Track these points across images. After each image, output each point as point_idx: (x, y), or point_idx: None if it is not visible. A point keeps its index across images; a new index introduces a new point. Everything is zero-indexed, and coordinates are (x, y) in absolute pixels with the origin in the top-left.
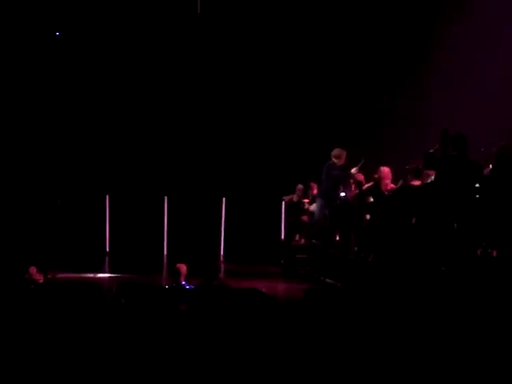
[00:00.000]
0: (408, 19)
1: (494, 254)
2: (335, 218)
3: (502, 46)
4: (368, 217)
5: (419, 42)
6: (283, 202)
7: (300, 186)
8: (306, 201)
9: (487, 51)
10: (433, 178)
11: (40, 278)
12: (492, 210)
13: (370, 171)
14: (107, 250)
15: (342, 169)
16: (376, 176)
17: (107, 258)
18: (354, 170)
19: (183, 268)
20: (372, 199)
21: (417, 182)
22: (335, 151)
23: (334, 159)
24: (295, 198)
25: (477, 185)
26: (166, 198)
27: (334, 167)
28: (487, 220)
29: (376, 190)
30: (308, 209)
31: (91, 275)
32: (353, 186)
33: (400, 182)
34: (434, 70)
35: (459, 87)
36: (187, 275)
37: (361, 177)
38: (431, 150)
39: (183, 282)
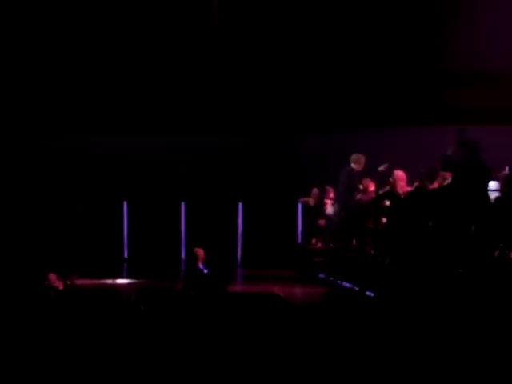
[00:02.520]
0: (413, 19)
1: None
2: (351, 221)
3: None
4: (384, 220)
5: (431, 38)
6: (299, 206)
7: (315, 190)
8: (328, 202)
9: (494, 48)
10: (449, 180)
11: (59, 285)
12: (509, 211)
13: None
14: (125, 255)
15: (360, 174)
16: (391, 179)
17: (126, 264)
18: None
19: (200, 252)
20: (388, 203)
21: (433, 185)
22: (354, 156)
23: (352, 164)
24: (311, 201)
25: (491, 185)
26: (183, 203)
27: (352, 173)
28: (504, 222)
29: (392, 193)
30: (325, 212)
31: (110, 281)
32: (369, 188)
33: (415, 185)
34: (446, 69)
35: (472, 86)
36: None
37: (371, 183)
38: (448, 152)
39: (200, 267)
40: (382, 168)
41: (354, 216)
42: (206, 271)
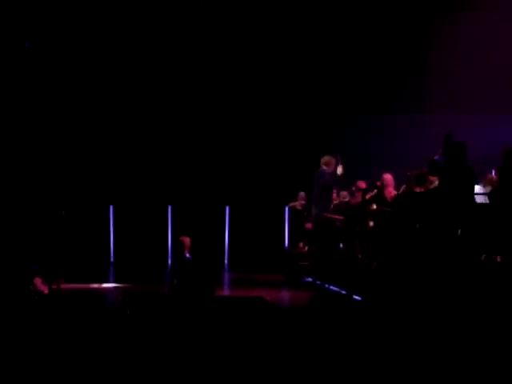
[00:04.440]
0: (406, 22)
1: (498, 259)
2: (327, 224)
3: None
4: (371, 224)
5: (417, 44)
6: (287, 210)
7: (302, 194)
8: None
9: (485, 51)
10: (436, 183)
11: (45, 289)
12: (496, 215)
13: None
14: (112, 260)
15: (332, 175)
16: (379, 183)
17: (112, 268)
18: (339, 170)
19: (187, 240)
20: (375, 206)
21: (420, 189)
22: (324, 158)
23: (323, 166)
24: (298, 205)
25: (478, 189)
26: (169, 207)
27: (324, 175)
28: (491, 225)
29: (379, 197)
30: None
31: (96, 285)
32: (356, 194)
33: (402, 188)
34: (433, 71)
35: (459, 88)
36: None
37: (363, 185)
38: (436, 157)
39: (187, 255)
40: (339, 170)
41: (329, 220)
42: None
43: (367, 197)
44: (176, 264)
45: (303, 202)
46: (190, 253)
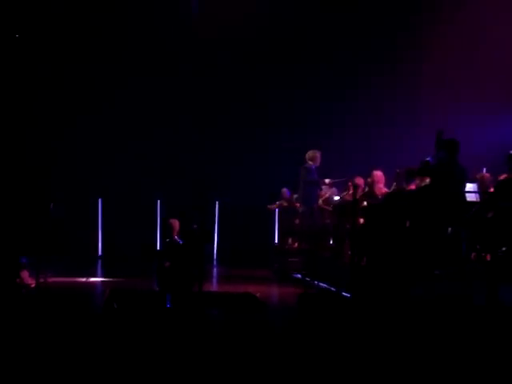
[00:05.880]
0: (400, 21)
1: (488, 257)
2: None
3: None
4: (362, 221)
5: (412, 42)
6: (276, 208)
7: (284, 190)
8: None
9: (480, 51)
10: (427, 181)
11: (32, 283)
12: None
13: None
14: (100, 253)
15: (318, 169)
16: (369, 180)
17: (100, 262)
18: (327, 181)
19: (176, 223)
20: (366, 203)
21: (411, 186)
22: (309, 153)
23: (309, 161)
24: (284, 202)
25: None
26: (158, 201)
27: (310, 170)
28: (481, 224)
29: (369, 194)
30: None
31: (83, 279)
32: (350, 189)
33: (393, 186)
34: (427, 69)
35: (452, 87)
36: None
37: (360, 181)
38: (428, 158)
39: (176, 237)
40: (327, 181)
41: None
42: (181, 242)
43: (357, 197)
44: (165, 246)
45: (287, 199)
46: (179, 238)
